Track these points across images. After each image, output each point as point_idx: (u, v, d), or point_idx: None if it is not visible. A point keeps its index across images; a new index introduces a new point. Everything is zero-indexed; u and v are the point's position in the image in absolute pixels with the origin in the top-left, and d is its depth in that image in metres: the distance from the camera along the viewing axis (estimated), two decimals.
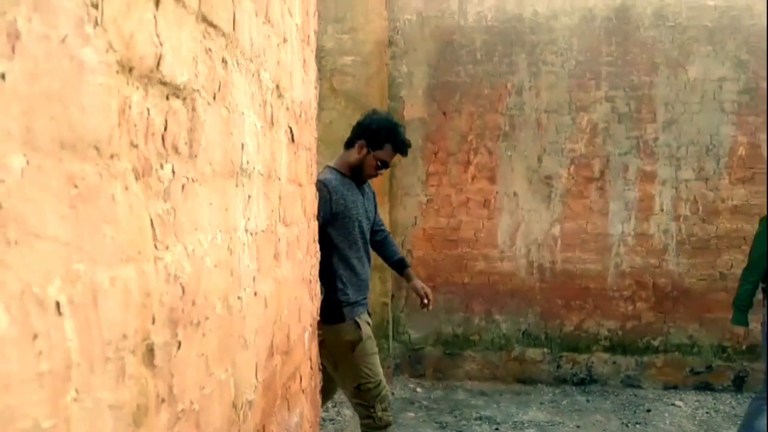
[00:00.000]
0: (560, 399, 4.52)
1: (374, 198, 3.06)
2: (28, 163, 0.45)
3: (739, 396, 4.56)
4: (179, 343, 0.71)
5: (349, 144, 2.82)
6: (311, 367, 1.71)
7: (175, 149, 0.71)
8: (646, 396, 4.57)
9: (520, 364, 4.86)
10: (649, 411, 4.27)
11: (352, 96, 4.67)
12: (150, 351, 0.64)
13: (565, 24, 4.72)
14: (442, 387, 4.74)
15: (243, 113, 0.92)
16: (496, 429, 3.93)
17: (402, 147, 2.79)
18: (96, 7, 0.54)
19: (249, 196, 0.87)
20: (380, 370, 2.78)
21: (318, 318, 2.10)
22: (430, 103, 4.88)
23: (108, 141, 0.57)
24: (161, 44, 0.67)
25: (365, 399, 2.71)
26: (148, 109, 0.64)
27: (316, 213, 1.86)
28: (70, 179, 0.50)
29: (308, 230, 1.61)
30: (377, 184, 4.92)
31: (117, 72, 0.58)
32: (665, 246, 4.71)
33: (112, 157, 0.57)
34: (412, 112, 4.88)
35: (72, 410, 0.50)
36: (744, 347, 4.66)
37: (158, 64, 0.66)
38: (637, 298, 4.77)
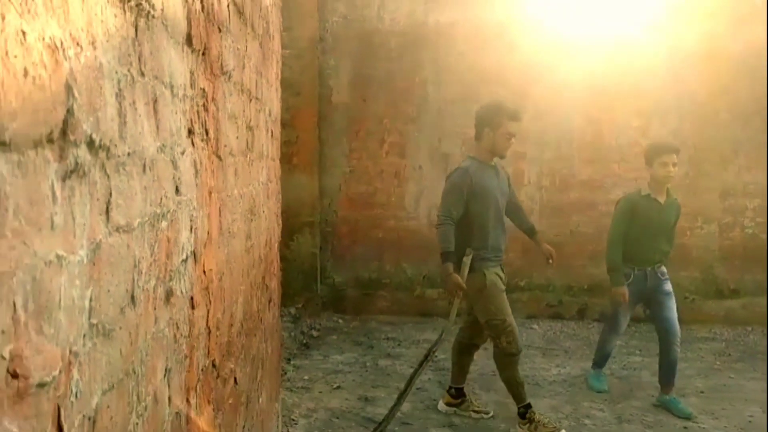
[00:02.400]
0: (450, 326, 5.38)
1: (508, 179, 3.43)
2: None
3: (580, 323, 5.60)
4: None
5: (477, 136, 3.23)
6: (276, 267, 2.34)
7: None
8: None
9: (421, 301, 5.67)
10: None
11: (289, 84, 5.19)
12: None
13: (461, 31, 5.44)
14: (359, 320, 5.49)
15: (257, 126, 1.53)
16: (399, 344, 4.75)
17: (514, 114, 3.14)
18: None
19: (265, 165, 1.47)
20: (508, 310, 3.17)
21: None
22: (353, 91, 5.49)
23: None
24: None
25: (493, 332, 3.18)
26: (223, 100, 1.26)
27: (279, 175, 2.45)
28: None
29: (275, 185, 2.23)
30: (308, 156, 5.54)
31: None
32: (531, 210, 5.62)
33: None
34: (339, 98, 5.49)
35: None
36: (585, 286, 5.75)
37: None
38: (509, 249, 5.63)
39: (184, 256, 0.90)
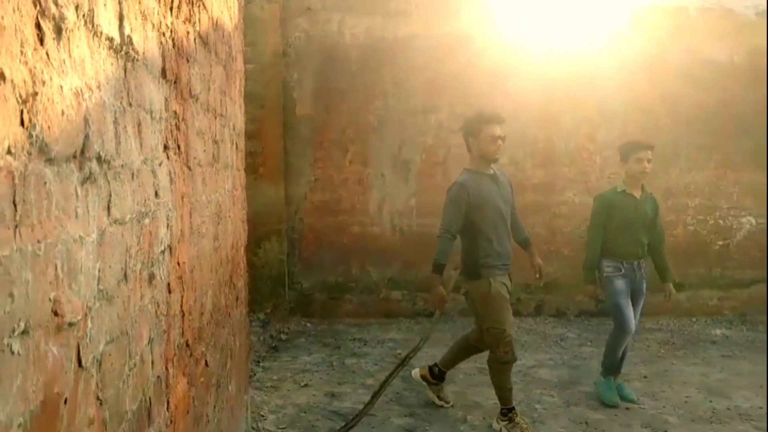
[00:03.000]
0: (413, 326, 5.63)
1: (509, 185, 3.45)
2: None
3: (537, 318, 5.91)
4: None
5: (468, 148, 3.34)
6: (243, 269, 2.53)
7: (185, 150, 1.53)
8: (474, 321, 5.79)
9: (386, 303, 5.90)
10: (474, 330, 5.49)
11: (254, 97, 5.38)
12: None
13: (419, 46, 5.73)
14: (327, 323, 5.68)
15: (222, 140, 1.73)
16: (365, 344, 4.96)
17: (491, 117, 3.21)
18: None
19: (230, 175, 1.68)
20: (509, 321, 3.24)
21: None
22: (317, 103, 5.71)
23: None
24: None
25: (492, 339, 3.25)
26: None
27: (244, 184, 2.65)
28: None
29: (239, 192, 2.43)
30: (274, 166, 5.72)
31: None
32: None
33: None
34: (302, 110, 5.70)
35: None
36: (541, 284, 6.05)
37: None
38: None
39: (163, 248, 1.10)
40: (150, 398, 1.03)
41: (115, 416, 0.85)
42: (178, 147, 1.23)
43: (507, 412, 3.37)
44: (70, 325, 0.67)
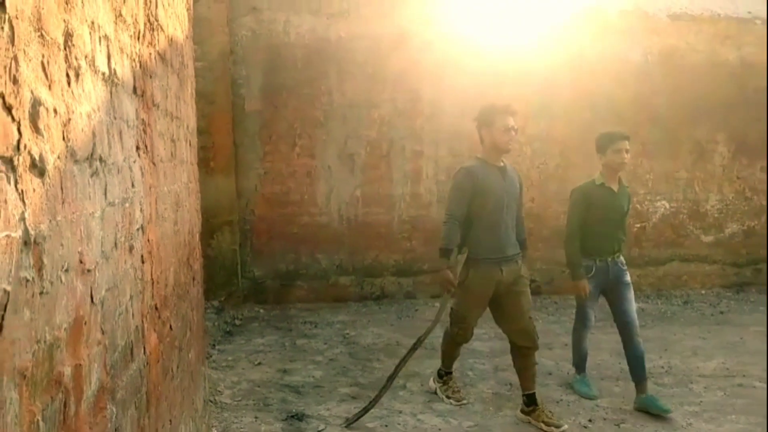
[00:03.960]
0: (362, 309, 6.01)
1: (518, 183, 3.38)
2: None
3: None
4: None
5: (480, 139, 3.35)
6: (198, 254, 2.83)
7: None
8: (418, 303, 6.23)
9: (335, 288, 6.26)
10: (417, 310, 5.93)
11: (203, 94, 5.60)
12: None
13: (360, 45, 6.07)
14: (279, 308, 5.99)
15: (178, 138, 2.03)
16: (315, 326, 5.31)
17: (504, 108, 3.22)
18: None
19: (185, 169, 1.98)
20: (474, 313, 3.35)
21: None
22: (265, 99, 5.98)
23: None
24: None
25: (451, 318, 3.46)
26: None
27: (197, 177, 2.93)
28: None
29: (194, 185, 2.71)
30: (225, 160, 5.94)
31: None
32: (430, 201, 6.37)
33: None
34: (251, 106, 5.95)
35: None
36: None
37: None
38: (413, 238, 6.39)
39: (138, 226, 1.41)
40: (132, 340, 1.35)
41: (111, 345, 1.16)
42: (146, 147, 1.54)
43: (444, 374, 3.66)
44: (88, 271, 0.98)
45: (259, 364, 4.38)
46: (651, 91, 6.53)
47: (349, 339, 5.01)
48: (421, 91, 6.23)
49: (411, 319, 5.68)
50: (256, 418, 3.41)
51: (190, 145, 2.58)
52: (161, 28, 1.81)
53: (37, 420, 0.79)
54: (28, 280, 0.74)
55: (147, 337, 1.51)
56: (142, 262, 1.48)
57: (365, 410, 3.34)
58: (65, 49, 0.89)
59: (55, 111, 0.85)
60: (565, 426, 3.20)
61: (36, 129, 0.77)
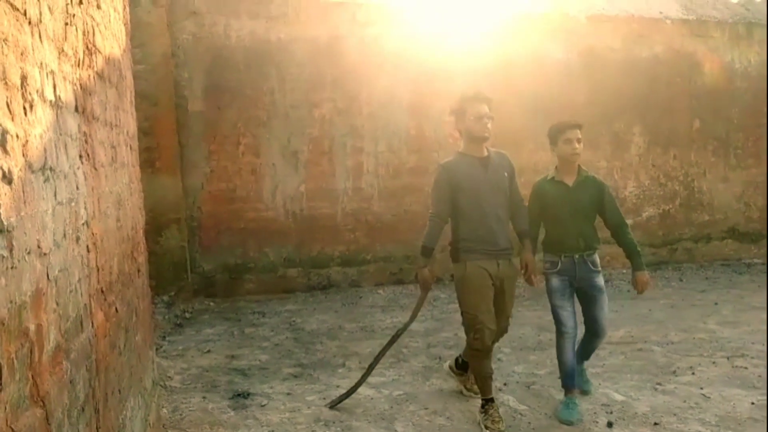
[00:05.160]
0: (308, 298, 6.36)
1: (509, 174, 3.26)
2: None
3: (418, 285, 6.80)
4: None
5: (459, 131, 3.28)
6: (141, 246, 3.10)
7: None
8: (363, 291, 6.62)
9: (283, 280, 6.57)
10: (361, 297, 6.32)
11: (145, 95, 5.80)
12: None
13: (300, 46, 6.38)
14: (229, 301, 6.27)
15: (118, 144, 2.32)
16: (263, 315, 5.63)
17: (474, 96, 3.16)
18: None
19: (126, 171, 2.27)
20: (483, 307, 3.11)
21: None
22: (208, 100, 6.22)
23: None
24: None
25: (464, 324, 3.23)
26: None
27: (139, 177, 3.19)
28: None
29: (136, 185, 2.99)
30: (170, 160, 6.14)
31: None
32: (371, 195, 6.75)
33: None
34: (194, 106, 6.18)
35: None
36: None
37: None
38: (356, 230, 6.76)
39: (83, 222, 1.71)
40: (81, 315, 1.66)
41: (64, 315, 1.47)
42: (88, 155, 1.84)
43: (484, 403, 3.23)
44: (44, 254, 1.29)
45: (208, 351, 4.67)
46: (573, 87, 7.09)
47: (295, 326, 5.34)
48: (360, 91, 6.59)
49: (354, 305, 6.06)
50: (204, 398, 3.72)
51: (130, 149, 2.86)
52: (98, 51, 2.10)
53: (12, 358, 1.11)
54: (3, 257, 1.06)
55: (94, 314, 1.82)
56: (88, 251, 1.79)
57: (346, 395, 3.51)
58: (22, 88, 1.20)
59: (17, 136, 1.16)
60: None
61: (5, 151, 1.08)
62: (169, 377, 4.09)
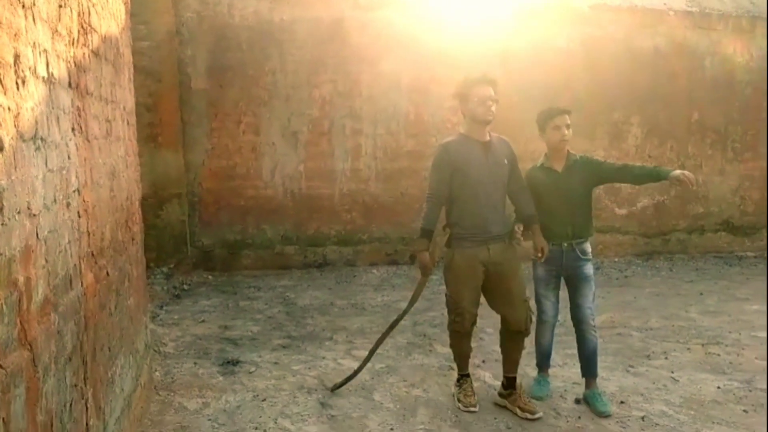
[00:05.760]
0: (305, 275, 6.53)
1: (509, 159, 3.21)
2: None
3: (412, 266, 6.96)
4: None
5: (462, 113, 3.22)
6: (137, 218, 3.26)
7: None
8: (358, 270, 6.78)
9: (280, 257, 6.75)
10: (355, 276, 6.49)
11: (149, 72, 5.95)
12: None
13: (303, 27, 6.47)
14: (226, 275, 6.46)
15: (114, 119, 2.46)
16: (258, 290, 5.82)
17: (479, 78, 3.13)
18: None
19: (122, 144, 2.42)
20: (464, 294, 3.15)
21: None
22: (211, 78, 6.34)
23: None
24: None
25: (447, 306, 3.30)
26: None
27: (136, 151, 3.33)
28: None
29: (132, 158, 3.14)
30: (172, 135, 6.29)
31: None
32: (369, 176, 6.88)
33: None
34: (197, 84, 6.31)
35: None
36: (415, 237, 7.09)
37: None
38: (353, 210, 6.91)
39: (74, 189, 1.86)
40: (70, 274, 1.82)
41: (53, 272, 1.63)
42: (81, 128, 1.98)
43: (459, 377, 3.38)
44: (34, 215, 1.45)
45: (203, 321, 4.87)
46: (573, 76, 7.14)
47: (289, 301, 5.53)
48: (360, 74, 6.68)
49: (348, 284, 6.23)
50: (195, 363, 3.91)
51: (127, 123, 3.00)
52: (94, 30, 2.23)
53: (1, 304, 1.27)
54: None
55: (84, 275, 1.99)
56: (79, 217, 1.94)
57: (347, 380, 3.49)
58: (15, 65, 1.34)
59: (9, 108, 1.31)
60: (540, 413, 3.16)
61: None
62: (164, 343, 4.28)
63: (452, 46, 6.75)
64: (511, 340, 3.30)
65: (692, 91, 7.58)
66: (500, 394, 3.34)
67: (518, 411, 3.18)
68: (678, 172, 3.10)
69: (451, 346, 3.43)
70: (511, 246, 3.24)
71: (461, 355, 3.37)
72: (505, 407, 3.26)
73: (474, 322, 3.28)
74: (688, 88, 7.56)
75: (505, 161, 3.19)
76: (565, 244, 3.33)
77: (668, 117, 7.55)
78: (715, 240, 7.89)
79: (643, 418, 3.19)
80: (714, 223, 7.88)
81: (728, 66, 7.73)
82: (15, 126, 1.33)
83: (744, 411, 3.27)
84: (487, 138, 3.18)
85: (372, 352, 3.58)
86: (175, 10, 6.10)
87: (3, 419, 1.24)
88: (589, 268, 3.38)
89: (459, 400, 3.29)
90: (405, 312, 3.49)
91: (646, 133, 7.50)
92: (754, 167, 7.97)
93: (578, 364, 3.70)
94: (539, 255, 3.27)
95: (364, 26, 6.61)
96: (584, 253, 3.38)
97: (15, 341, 1.34)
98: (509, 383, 3.29)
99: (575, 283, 3.37)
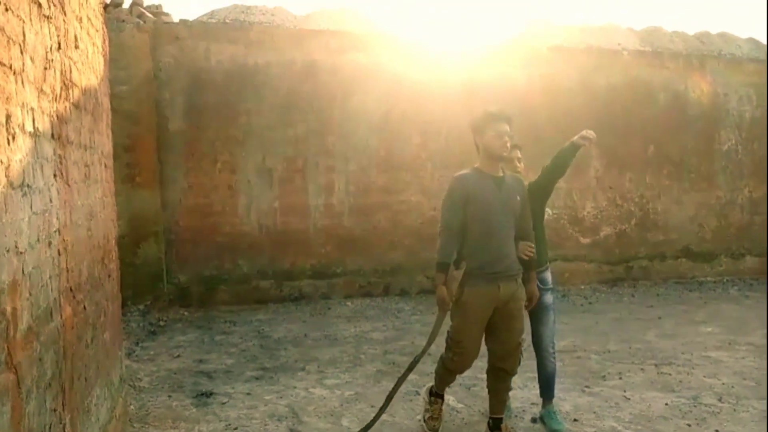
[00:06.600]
0: (280, 309, 6.69)
1: (520, 195, 3.17)
2: None
3: (386, 297, 7.18)
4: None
5: (476, 148, 3.19)
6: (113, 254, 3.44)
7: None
8: (333, 303, 6.96)
9: (256, 291, 6.90)
10: (329, 308, 6.66)
11: (128, 114, 6.18)
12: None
13: (276, 70, 6.80)
14: (203, 311, 6.59)
15: (92, 163, 2.68)
16: (234, 324, 5.96)
17: (496, 114, 3.09)
18: None
19: (100, 186, 2.66)
20: (469, 334, 3.09)
21: None
22: (187, 119, 6.60)
23: None
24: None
25: (447, 343, 3.22)
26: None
27: (113, 192, 3.53)
28: None
29: (109, 199, 3.33)
30: (150, 175, 6.48)
31: None
32: (342, 211, 7.13)
33: None
34: (175, 125, 6.55)
35: None
36: (388, 269, 7.32)
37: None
38: (327, 244, 7.12)
39: (55, 229, 2.07)
40: (51, 307, 2.00)
41: (36, 305, 1.82)
42: (62, 174, 2.20)
43: (433, 397, 3.42)
44: (21, 253, 1.65)
45: (178, 356, 4.99)
46: (534, 112, 7.53)
47: (263, 334, 5.67)
48: (332, 113, 7.00)
49: (323, 316, 6.40)
50: (169, 396, 4.04)
51: (105, 167, 3.22)
52: (75, 85, 2.47)
53: None
54: None
55: (63, 308, 2.17)
56: (59, 255, 2.14)
57: (367, 427, 3.36)
58: (6, 124, 1.56)
59: (1, 162, 1.53)
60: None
61: None
62: (139, 378, 4.40)
63: (419, 85, 7.13)
64: (497, 379, 3.27)
65: (647, 125, 8.05)
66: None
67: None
68: (578, 136, 3.32)
69: (437, 372, 3.39)
70: (521, 285, 3.19)
71: (444, 381, 3.40)
72: None
73: (470, 364, 3.23)
74: (643, 123, 8.02)
75: (518, 198, 3.17)
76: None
77: (626, 150, 7.98)
78: (675, 266, 8.25)
79: None
80: (674, 250, 8.25)
81: (681, 101, 8.24)
82: (6, 176, 1.55)
83: (688, 425, 3.51)
84: (501, 173, 3.16)
85: (390, 397, 3.41)
86: (153, 55, 6.39)
87: None
88: (549, 297, 3.49)
89: (424, 420, 3.41)
90: (424, 351, 3.36)
91: (606, 166, 7.91)
92: (709, 196, 8.41)
93: (537, 387, 3.92)
94: (526, 304, 3.24)
95: (334, 68, 6.96)
96: (544, 282, 3.46)
97: (3, 364, 1.52)
98: (495, 424, 3.27)
99: (536, 312, 3.45)
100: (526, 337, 3.33)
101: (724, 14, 29.00)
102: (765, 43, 9.13)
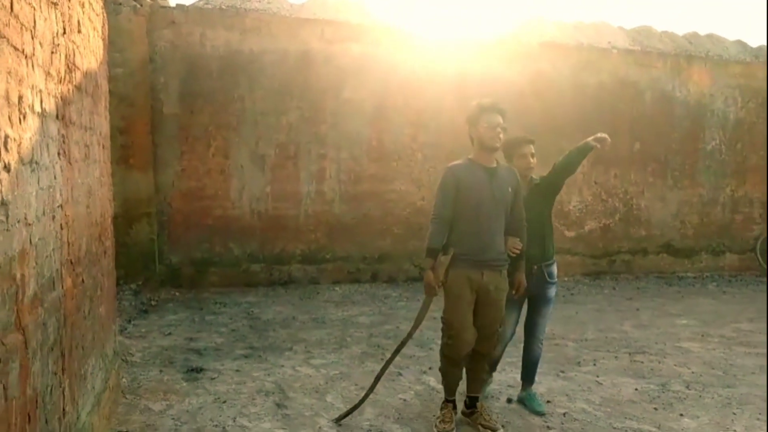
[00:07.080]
0: (270, 292, 6.83)
1: (512, 186, 3.23)
2: None
3: (373, 284, 7.34)
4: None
5: (471, 139, 3.25)
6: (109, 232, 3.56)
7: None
8: (321, 288, 7.11)
9: (246, 275, 7.04)
10: (318, 293, 6.81)
11: (123, 97, 6.27)
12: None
13: (271, 58, 6.89)
14: (193, 292, 6.72)
15: (92, 144, 2.80)
16: (224, 305, 6.10)
17: (489, 106, 3.16)
18: None
19: (98, 166, 2.77)
20: (458, 316, 3.16)
21: None
22: (182, 104, 6.68)
23: None
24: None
25: (442, 326, 3.27)
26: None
27: (109, 172, 3.66)
28: None
29: (106, 178, 3.45)
30: (144, 157, 6.57)
31: None
32: (333, 198, 7.26)
33: None
34: (169, 109, 6.64)
35: None
36: (376, 256, 7.48)
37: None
38: (317, 230, 7.26)
39: (58, 204, 2.20)
40: (53, 277, 2.14)
41: (41, 274, 1.96)
42: (65, 152, 2.33)
43: (443, 402, 3.41)
44: (29, 225, 1.78)
45: (169, 334, 5.13)
46: (524, 107, 7.67)
47: (253, 315, 5.82)
48: (325, 101, 7.11)
49: (311, 300, 6.55)
50: (160, 371, 4.18)
51: (102, 147, 3.34)
52: (77, 68, 2.59)
53: (4, 293, 1.60)
54: (2, 221, 1.55)
55: (64, 279, 2.31)
56: (61, 228, 2.27)
57: (352, 409, 3.46)
58: (19, 104, 1.69)
59: (14, 139, 1.66)
60: (501, 429, 3.34)
61: (6, 149, 1.57)
62: (131, 354, 4.54)
63: (412, 77, 7.25)
64: (476, 361, 3.37)
65: (634, 123, 8.23)
66: (463, 413, 3.45)
67: (480, 428, 3.33)
68: (592, 138, 3.46)
69: (441, 370, 3.42)
70: (504, 277, 3.28)
71: (450, 380, 3.39)
72: (468, 424, 3.40)
73: (468, 352, 3.28)
74: (630, 120, 8.20)
75: (510, 189, 3.23)
76: (535, 267, 3.50)
77: (612, 147, 8.07)
78: (657, 261, 8.47)
79: (564, 414, 3.59)
80: (656, 246, 8.47)
81: (667, 100, 8.41)
82: (18, 153, 1.68)
83: (654, 408, 3.71)
84: (494, 164, 3.23)
85: (377, 380, 3.52)
86: (149, 40, 6.46)
87: (3, 386, 1.56)
88: (553, 291, 3.64)
89: (435, 426, 3.35)
90: (410, 335, 3.44)
91: (592, 162, 8.08)
92: (692, 194, 8.62)
93: (514, 371, 4.11)
94: (514, 292, 3.35)
95: (328, 57, 7.06)
96: (551, 275, 3.58)
97: (12, 325, 1.66)
98: (471, 402, 3.41)
99: (538, 304, 3.62)
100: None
101: (713, 16, 29.28)
102: (752, 45, 9.32)
